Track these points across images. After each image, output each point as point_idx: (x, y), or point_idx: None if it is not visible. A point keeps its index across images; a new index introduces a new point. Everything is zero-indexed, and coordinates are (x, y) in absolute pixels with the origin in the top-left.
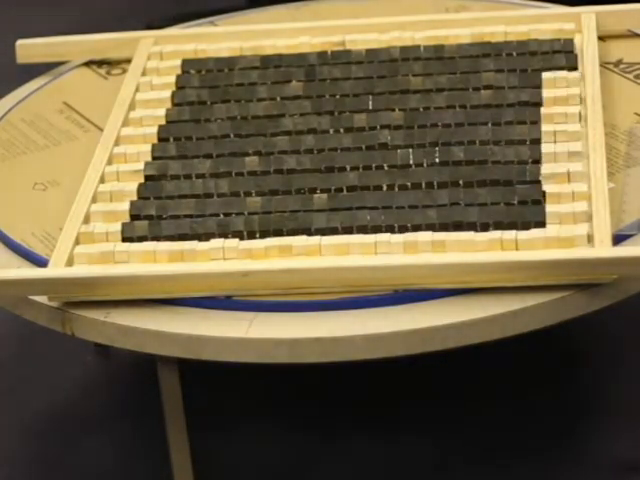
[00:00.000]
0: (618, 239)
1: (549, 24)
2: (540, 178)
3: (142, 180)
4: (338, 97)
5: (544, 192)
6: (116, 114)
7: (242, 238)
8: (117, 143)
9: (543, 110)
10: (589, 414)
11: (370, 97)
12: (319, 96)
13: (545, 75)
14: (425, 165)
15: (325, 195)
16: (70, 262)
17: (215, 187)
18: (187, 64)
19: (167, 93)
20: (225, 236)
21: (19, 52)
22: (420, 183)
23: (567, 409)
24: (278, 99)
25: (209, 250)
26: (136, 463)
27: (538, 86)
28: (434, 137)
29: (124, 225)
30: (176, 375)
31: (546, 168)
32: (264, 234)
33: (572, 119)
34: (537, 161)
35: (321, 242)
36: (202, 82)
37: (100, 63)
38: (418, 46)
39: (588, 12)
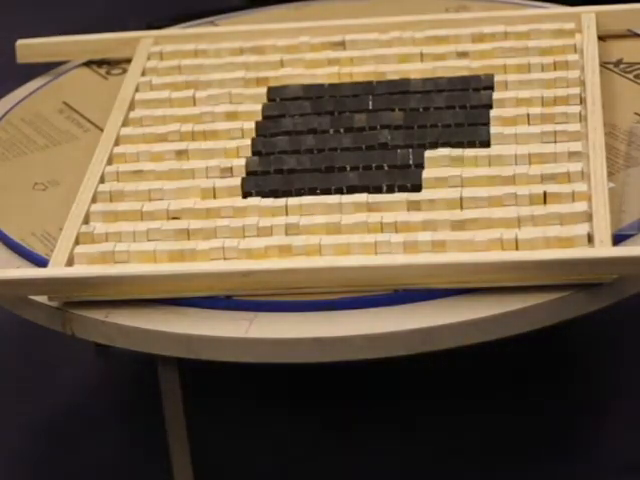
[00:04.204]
0: (618, 239)
1: (549, 24)
2: (540, 179)
3: (142, 180)
4: (338, 97)
5: (544, 192)
6: (116, 114)
7: (242, 238)
8: (117, 143)
9: (543, 110)
10: (589, 414)
11: (370, 97)
12: (319, 97)
13: (545, 75)
14: (425, 165)
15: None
16: (70, 262)
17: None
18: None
19: (166, 93)
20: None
21: (19, 52)
22: (420, 184)
23: (567, 409)
24: (278, 100)
25: (209, 250)
26: (136, 463)
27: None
28: (434, 137)
29: None
30: (176, 375)
31: (546, 168)
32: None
33: (572, 119)
34: (539, 161)
35: (321, 242)
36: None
37: (100, 63)
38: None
39: (588, 12)
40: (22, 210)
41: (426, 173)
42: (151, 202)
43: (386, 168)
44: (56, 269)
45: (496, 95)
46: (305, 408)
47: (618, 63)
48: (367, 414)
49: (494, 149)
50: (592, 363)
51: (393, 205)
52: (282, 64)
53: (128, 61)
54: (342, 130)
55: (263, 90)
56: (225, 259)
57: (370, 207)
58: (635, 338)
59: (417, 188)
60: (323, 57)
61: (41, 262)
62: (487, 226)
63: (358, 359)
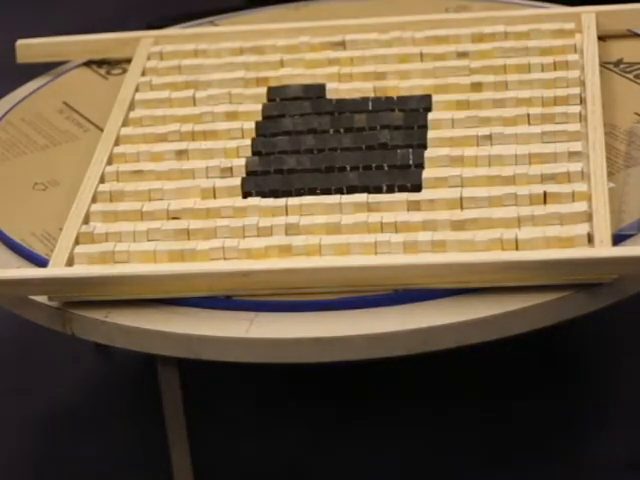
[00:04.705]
0: (618, 239)
1: (549, 24)
2: (540, 179)
3: (142, 180)
4: (338, 98)
5: (544, 192)
6: (116, 114)
7: (242, 238)
8: (117, 143)
9: (543, 110)
10: (589, 414)
11: (370, 98)
12: (319, 97)
13: (545, 75)
14: (425, 165)
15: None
16: (70, 262)
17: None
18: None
19: (166, 93)
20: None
21: (19, 52)
22: (420, 184)
23: (567, 409)
24: (278, 100)
25: (209, 250)
26: (136, 463)
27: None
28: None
29: None
30: (176, 375)
31: (546, 168)
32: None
33: (572, 119)
34: (539, 161)
35: (321, 242)
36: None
37: (100, 63)
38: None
39: (588, 12)
40: (22, 210)
41: (426, 173)
42: (151, 202)
43: (386, 168)
44: (56, 269)
45: (496, 95)
46: (305, 408)
47: (618, 63)
48: (367, 414)
49: (494, 149)
50: (592, 363)
51: (393, 205)
52: (282, 64)
53: (128, 61)
54: (342, 130)
55: (263, 90)
56: (225, 259)
57: (370, 207)
58: (635, 338)
59: (417, 188)
60: (323, 57)
61: (41, 262)
62: (487, 226)
63: (358, 359)
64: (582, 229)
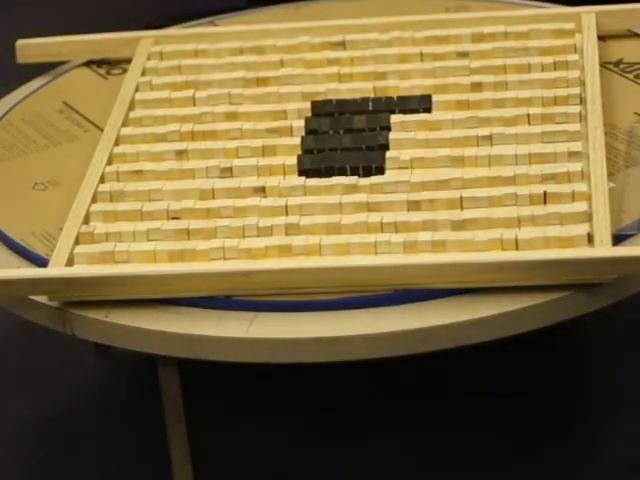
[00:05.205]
0: (618, 239)
1: (549, 24)
2: (540, 179)
3: (142, 180)
4: (338, 99)
5: (544, 192)
6: (116, 114)
7: (242, 238)
8: (117, 143)
9: (543, 110)
10: (589, 414)
11: (370, 98)
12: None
13: (545, 75)
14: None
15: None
16: (70, 262)
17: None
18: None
19: (166, 93)
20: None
21: (19, 52)
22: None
23: (567, 409)
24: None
25: (209, 250)
26: (136, 463)
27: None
28: None
29: None
30: (176, 375)
31: (546, 168)
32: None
33: (572, 119)
34: (539, 161)
35: (321, 242)
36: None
37: (100, 63)
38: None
39: (588, 12)
40: (22, 210)
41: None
42: (151, 202)
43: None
44: (56, 269)
45: (496, 95)
46: (305, 408)
47: (618, 63)
48: (367, 414)
49: (494, 149)
50: (592, 363)
51: (393, 205)
52: (282, 64)
53: (128, 61)
54: (342, 131)
55: (263, 90)
56: (225, 259)
57: (370, 207)
58: (635, 338)
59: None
60: (323, 57)
61: (41, 262)
62: (487, 226)
63: (358, 359)
64: (582, 229)
